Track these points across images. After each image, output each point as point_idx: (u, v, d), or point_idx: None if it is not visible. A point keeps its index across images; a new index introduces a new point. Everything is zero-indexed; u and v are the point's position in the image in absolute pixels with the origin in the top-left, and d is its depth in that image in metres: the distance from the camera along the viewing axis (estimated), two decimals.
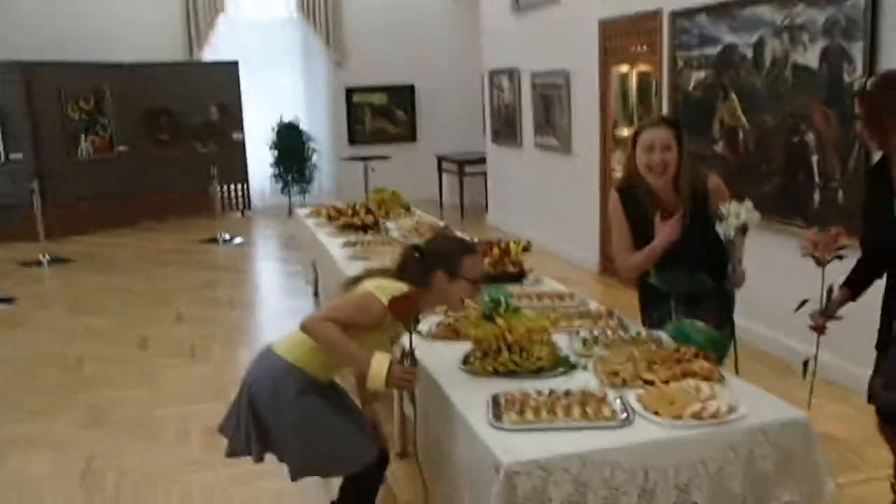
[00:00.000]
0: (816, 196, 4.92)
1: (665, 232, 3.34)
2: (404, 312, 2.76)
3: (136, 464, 4.30)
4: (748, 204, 3.11)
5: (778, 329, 5.12)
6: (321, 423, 2.90)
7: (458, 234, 4.03)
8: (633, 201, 3.51)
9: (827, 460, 2.56)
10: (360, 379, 3.16)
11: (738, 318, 3.38)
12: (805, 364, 3.03)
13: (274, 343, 3.04)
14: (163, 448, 4.50)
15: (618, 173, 8.12)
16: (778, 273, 4.90)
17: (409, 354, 2.85)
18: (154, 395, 5.30)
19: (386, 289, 2.82)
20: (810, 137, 4.94)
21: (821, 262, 2.93)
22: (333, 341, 2.78)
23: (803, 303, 3.07)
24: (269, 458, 3.10)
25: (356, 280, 3.03)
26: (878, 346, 3.06)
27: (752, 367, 4.77)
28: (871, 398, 3.07)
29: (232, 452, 3.11)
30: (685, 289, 3.43)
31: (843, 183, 4.71)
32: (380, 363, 2.72)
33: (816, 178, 4.91)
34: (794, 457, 2.51)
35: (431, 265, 2.92)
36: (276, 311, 7.40)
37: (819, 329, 3.06)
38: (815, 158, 4.91)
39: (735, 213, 3.08)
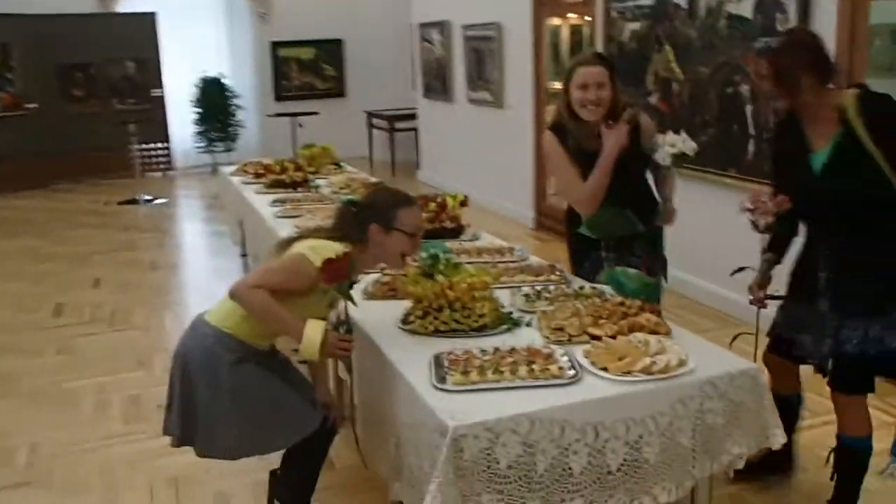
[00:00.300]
0: (751, 147, 4.90)
1: (611, 139, 3.30)
2: (336, 276, 2.60)
3: (50, 437, 4.06)
4: (684, 135, 3.13)
5: (715, 281, 5.12)
6: (257, 394, 2.73)
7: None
8: (568, 139, 3.47)
9: (775, 410, 2.52)
10: None
11: (676, 271, 3.34)
12: (734, 338, 3.10)
13: (206, 311, 2.86)
14: (80, 420, 4.27)
15: None
16: (713, 225, 4.90)
17: (344, 322, 2.71)
18: (70, 365, 5.05)
19: (319, 250, 2.65)
20: (744, 88, 4.90)
21: (757, 227, 2.89)
22: (263, 310, 2.62)
23: (739, 269, 3.06)
24: None
25: (289, 241, 2.85)
26: (791, 295, 3.06)
27: (690, 320, 4.79)
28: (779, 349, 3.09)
29: (165, 430, 2.93)
30: (617, 231, 3.37)
31: None
32: (313, 332, 2.57)
33: (751, 129, 4.89)
34: (744, 409, 2.47)
35: (366, 219, 2.77)
36: (202, 272, 7.16)
37: (759, 303, 3.06)
38: (749, 109, 4.89)
39: (671, 143, 3.10)
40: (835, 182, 2.78)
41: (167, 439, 3.86)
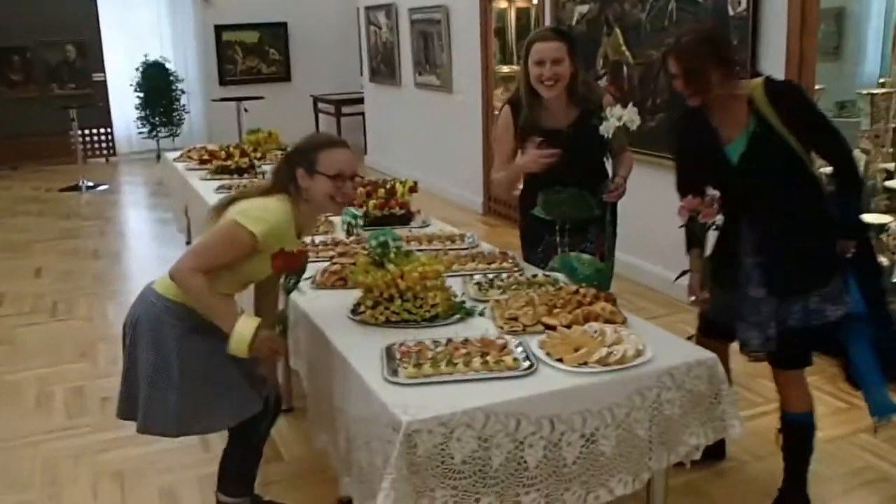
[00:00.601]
0: None
1: (525, 159, 3.35)
2: (286, 266, 2.54)
3: None
4: (631, 107, 3.10)
5: (666, 266, 5.10)
6: (203, 371, 2.62)
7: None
8: (520, 116, 3.43)
9: (733, 400, 2.49)
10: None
11: (627, 256, 3.31)
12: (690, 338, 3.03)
13: (155, 280, 2.73)
14: (22, 413, 4.11)
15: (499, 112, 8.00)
16: (664, 209, 4.87)
17: (281, 321, 2.62)
18: (11, 356, 4.87)
19: (250, 213, 2.54)
20: None
21: (703, 228, 2.92)
22: (198, 297, 2.54)
23: (682, 273, 3.04)
24: None
25: (225, 205, 2.69)
26: (716, 282, 3.05)
27: (642, 306, 4.78)
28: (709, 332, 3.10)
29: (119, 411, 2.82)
30: (572, 214, 3.36)
31: None
32: (243, 328, 2.48)
33: None
34: (701, 399, 2.44)
35: (294, 165, 2.65)
36: (147, 260, 6.97)
37: (703, 304, 3.05)
38: None
39: (617, 116, 3.07)
40: (755, 170, 2.83)
41: (111, 433, 3.80)
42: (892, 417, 2.99)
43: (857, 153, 5.05)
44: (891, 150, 5.07)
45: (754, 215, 2.88)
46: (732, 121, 2.84)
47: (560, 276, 3.16)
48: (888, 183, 4.71)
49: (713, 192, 2.94)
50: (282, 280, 2.67)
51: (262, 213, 2.54)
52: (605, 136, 3.10)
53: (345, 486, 2.61)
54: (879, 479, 3.26)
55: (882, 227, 4.36)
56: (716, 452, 3.22)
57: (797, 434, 3.01)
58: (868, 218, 4.39)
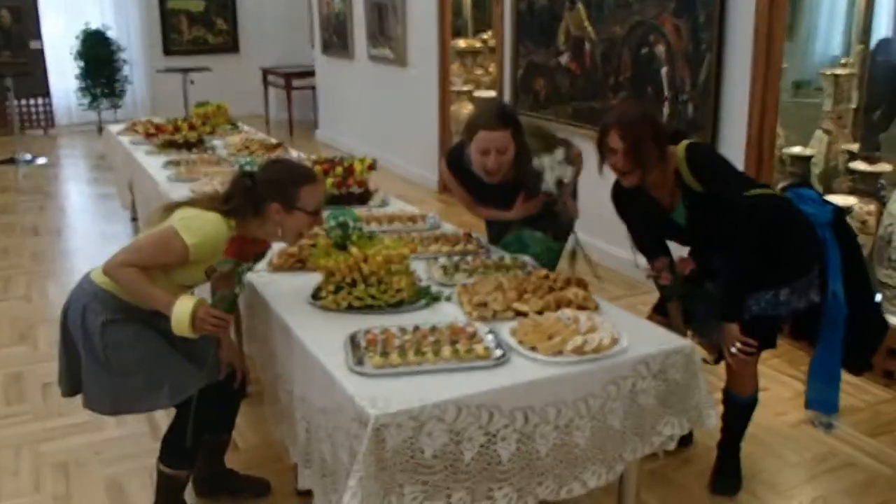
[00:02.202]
0: (665, 109, 4.81)
1: (516, 211, 3.32)
2: (238, 254, 2.46)
3: None
4: (559, 154, 3.02)
5: (622, 245, 5.03)
6: (130, 353, 2.60)
7: (295, 156, 3.61)
8: (465, 176, 3.35)
9: (708, 389, 2.42)
10: None
11: (583, 236, 3.26)
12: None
13: (95, 267, 2.69)
14: None
15: (456, 87, 7.86)
16: None
17: (225, 298, 2.51)
18: None
19: (191, 225, 2.52)
20: (660, 49, 4.80)
21: (670, 288, 2.98)
22: (132, 288, 2.53)
23: (654, 276, 3.00)
24: (87, 411, 2.70)
25: (172, 207, 2.68)
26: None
27: (600, 287, 4.70)
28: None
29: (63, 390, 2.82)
30: (530, 252, 3.32)
31: (693, 96, 4.62)
32: (182, 309, 2.45)
33: (666, 92, 4.80)
34: (677, 388, 2.36)
35: (266, 196, 2.58)
36: (89, 237, 6.69)
37: (656, 272, 3.02)
38: (664, 70, 4.79)
39: (549, 167, 3.00)
40: (704, 229, 2.88)
41: (54, 421, 3.62)
42: (823, 417, 3.01)
43: (819, 134, 5.03)
44: (852, 130, 5.06)
45: (719, 250, 2.89)
46: (667, 192, 2.87)
47: (528, 259, 3.06)
48: (851, 164, 4.69)
49: (667, 257, 3.00)
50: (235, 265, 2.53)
51: (201, 227, 2.52)
52: (552, 190, 3.04)
53: (305, 478, 2.49)
54: (845, 464, 3.24)
55: (847, 209, 4.34)
56: (683, 439, 3.16)
57: (742, 415, 3.04)
58: (832, 199, 4.36)
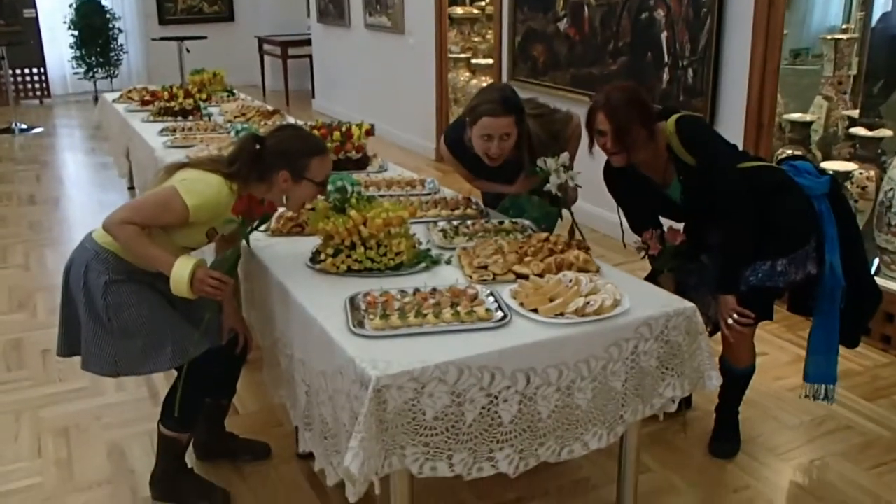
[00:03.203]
0: (665, 75, 4.78)
1: (517, 186, 3.32)
2: (246, 212, 2.43)
3: None
4: (564, 157, 2.99)
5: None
6: (133, 313, 2.57)
7: (302, 124, 3.57)
8: (465, 156, 3.33)
9: (710, 351, 2.42)
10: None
11: (581, 202, 3.24)
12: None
13: (96, 227, 2.66)
14: None
15: (454, 55, 7.80)
16: None
17: (227, 260, 2.52)
18: None
19: (192, 187, 2.48)
20: (659, 14, 4.76)
21: (660, 258, 2.94)
22: (131, 246, 2.49)
23: (644, 248, 2.97)
24: (87, 376, 2.70)
25: (175, 167, 2.64)
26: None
27: (599, 254, 4.67)
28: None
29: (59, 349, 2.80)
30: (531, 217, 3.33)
31: (693, 62, 4.58)
32: (181, 269, 2.42)
33: (666, 57, 4.76)
34: (679, 351, 2.36)
35: (274, 164, 2.56)
36: (86, 206, 6.66)
37: (644, 244, 3.00)
38: (664, 36, 4.75)
39: (554, 171, 2.97)
40: (700, 204, 2.87)
41: (53, 387, 3.63)
42: (822, 388, 3.02)
43: (818, 100, 5.00)
44: (852, 97, 5.03)
45: (715, 224, 2.87)
46: (659, 169, 2.88)
47: (526, 222, 3.05)
48: (852, 130, 4.66)
49: (659, 228, 2.98)
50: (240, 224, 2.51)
51: (202, 189, 2.49)
52: (555, 193, 3.00)
53: (305, 441, 2.49)
54: (842, 427, 3.25)
55: (847, 175, 4.32)
56: (682, 403, 3.17)
57: (739, 385, 3.05)
58: (832, 165, 4.35)
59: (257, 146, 2.59)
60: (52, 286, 4.72)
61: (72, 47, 11.20)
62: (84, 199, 6.96)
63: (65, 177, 7.78)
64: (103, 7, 11.24)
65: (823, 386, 3.05)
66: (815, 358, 3.02)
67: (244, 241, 2.54)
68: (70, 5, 11.09)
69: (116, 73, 11.43)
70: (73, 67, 11.33)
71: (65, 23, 11.11)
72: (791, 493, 2.87)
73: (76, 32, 11.09)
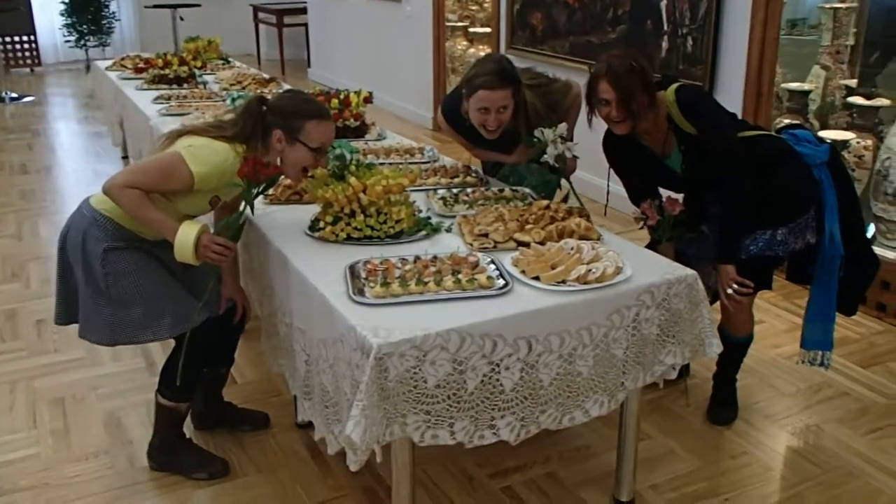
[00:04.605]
0: (664, 44, 4.74)
1: (514, 157, 3.32)
2: (251, 174, 2.39)
3: None
4: (562, 128, 2.94)
5: (617, 182, 5.00)
6: (131, 281, 2.55)
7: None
8: (462, 127, 3.30)
9: (711, 318, 2.41)
10: None
11: (580, 172, 3.25)
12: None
13: (93, 193, 2.64)
14: None
15: (451, 23, 7.73)
16: None
17: (231, 226, 2.49)
18: None
19: (198, 153, 2.45)
20: None
21: (660, 228, 2.93)
22: (133, 210, 2.45)
23: (643, 218, 2.96)
24: (83, 342, 2.68)
25: (178, 134, 2.59)
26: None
27: (598, 223, 4.65)
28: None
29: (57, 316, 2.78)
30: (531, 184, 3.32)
31: (692, 30, 4.54)
32: (185, 234, 2.38)
33: (665, 26, 4.72)
34: (680, 318, 2.35)
35: (271, 122, 2.52)
36: (79, 175, 6.62)
37: (643, 216, 2.99)
38: (663, 4, 4.70)
39: (552, 141, 2.92)
40: (700, 174, 2.85)
41: (48, 358, 3.62)
42: (819, 355, 3.03)
43: (816, 69, 4.97)
44: (849, 66, 5.00)
45: (716, 193, 2.86)
46: (660, 139, 2.85)
47: (527, 191, 3.04)
48: (850, 99, 4.64)
49: (658, 198, 2.96)
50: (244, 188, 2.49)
51: (208, 156, 2.45)
52: (553, 163, 2.96)
53: (305, 410, 2.49)
54: (839, 393, 3.27)
55: (844, 144, 4.31)
56: (680, 370, 3.18)
57: (738, 354, 3.07)
58: (829, 135, 4.34)
59: (262, 107, 2.56)
60: (45, 256, 4.70)
61: (62, 15, 11.08)
62: (77, 167, 6.90)
63: (57, 146, 7.72)
64: None
65: (820, 353, 3.07)
66: (813, 326, 3.03)
67: (248, 207, 2.50)
68: None
69: (108, 41, 11.32)
70: (65, 35, 11.21)
71: None
72: (788, 459, 2.89)
73: (66, 0, 10.96)
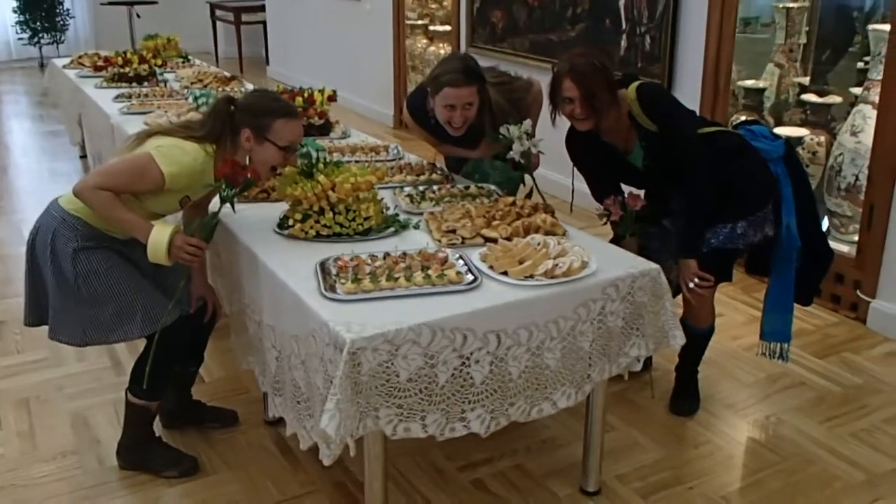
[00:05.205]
0: (623, 41, 4.82)
1: (478, 152, 3.37)
2: (229, 175, 2.41)
3: None
4: (527, 125, 3.01)
5: (580, 178, 5.06)
6: (101, 281, 2.55)
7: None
8: (428, 124, 3.34)
9: (674, 311, 2.48)
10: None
11: (543, 170, 3.30)
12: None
13: (62, 194, 2.64)
14: None
15: (411, 21, 7.76)
16: None
17: (203, 227, 2.50)
18: None
19: (168, 153, 2.46)
20: None
21: (622, 223, 3.00)
22: (105, 212, 2.46)
23: (606, 214, 3.03)
24: (47, 343, 2.67)
25: (146, 135, 2.61)
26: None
27: (561, 219, 4.73)
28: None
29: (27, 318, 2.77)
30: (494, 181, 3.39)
31: (650, 28, 4.63)
32: (158, 235, 2.41)
33: (623, 24, 4.80)
34: (644, 311, 2.42)
35: (240, 122, 2.54)
36: (37, 175, 6.53)
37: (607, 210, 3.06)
38: (622, 2, 4.78)
39: (517, 138, 2.99)
40: (662, 169, 2.92)
41: (11, 359, 3.59)
42: (778, 346, 3.12)
43: (770, 67, 5.09)
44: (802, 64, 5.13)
45: (677, 189, 2.93)
46: (621, 136, 2.92)
47: (492, 188, 3.09)
48: (803, 96, 4.76)
49: (620, 195, 3.02)
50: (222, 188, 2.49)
51: (178, 156, 2.47)
52: (518, 160, 3.02)
53: (276, 406, 2.51)
54: (796, 383, 3.36)
55: (798, 140, 4.42)
56: (644, 362, 3.24)
57: (699, 345, 3.14)
58: (784, 131, 4.45)
59: (230, 107, 2.57)
60: (4, 256, 4.64)
61: (15, 12, 10.91)
62: (34, 167, 6.81)
63: (12, 144, 7.59)
64: None
65: (779, 344, 3.15)
66: (772, 317, 3.12)
67: (228, 207, 2.51)
68: None
69: (63, 38, 11.17)
70: (17, 33, 11.03)
71: None
72: (748, 447, 2.97)
73: None
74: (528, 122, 3.00)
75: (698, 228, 2.87)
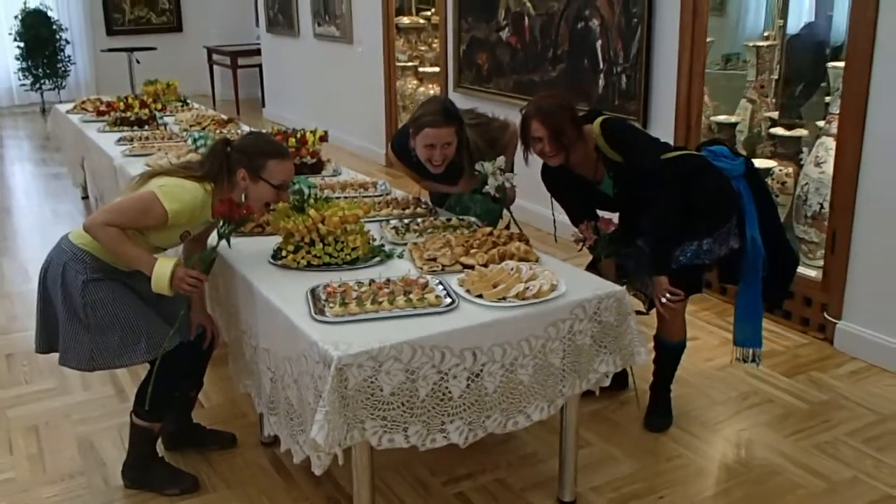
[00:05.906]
0: (601, 81, 5.06)
1: (459, 188, 3.61)
2: (227, 214, 2.64)
3: None
4: (500, 161, 3.25)
5: (560, 210, 5.27)
6: (109, 310, 2.74)
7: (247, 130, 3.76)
8: (411, 162, 3.58)
9: (639, 330, 2.67)
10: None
11: (523, 201, 3.55)
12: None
13: (71, 230, 2.85)
14: None
15: (401, 63, 8.02)
16: None
17: (203, 260, 2.72)
18: None
19: (170, 192, 2.67)
20: (594, 23, 5.04)
21: (598, 247, 3.24)
22: (112, 246, 2.67)
23: (581, 239, 3.26)
24: (53, 373, 2.83)
25: (149, 176, 2.82)
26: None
27: (542, 250, 4.91)
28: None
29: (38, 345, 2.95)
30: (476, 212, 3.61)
31: (626, 68, 4.87)
32: (162, 268, 2.62)
33: (601, 64, 5.04)
34: (610, 329, 2.61)
35: (236, 162, 2.76)
36: (40, 216, 6.74)
37: (585, 236, 3.27)
38: (599, 44, 5.03)
39: (492, 174, 3.22)
40: (632, 195, 3.16)
41: (20, 389, 3.76)
42: (750, 352, 3.32)
43: (743, 103, 5.33)
44: (774, 99, 5.37)
45: (646, 213, 3.12)
46: (590, 167, 3.17)
47: (472, 219, 3.30)
48: (772, 130, 4.99)
49: (595, 219, 3.25)
50: (219, 225, 2.71)
51: (180, 194, 2.68)
52: (493, 194, 3.26)
53: (271, 425, 2.69)
54: (765, 401, 3.54)
55: (767, 171, 4.64)
56: (619, 383, 3.43)
57: (673, 358, 3.33)
58: (755, 163, 4.65)
59: (227, 148, 2.79)
60: (10, 294, 4.83)
61: (17, 59, 11.20)
62: (37, 208, 7.02)
63: (16, 187, 7.82)
64: (49, 18, 11.25)
65: (751, 350, 3.34)
66: (742, 325, 3.32)
67: (225, 242, 2.72)
68: (15, 17, 11.09)
69: (64, 84, 11.45)
70: (20, 79, 11.33)
71: (10, 34, 11.11)
72: (718, 460, 3.14)
73: (21, 44, 11.09)
74: (501, 159, 3.23)
75: (667, 247, 3.07)
